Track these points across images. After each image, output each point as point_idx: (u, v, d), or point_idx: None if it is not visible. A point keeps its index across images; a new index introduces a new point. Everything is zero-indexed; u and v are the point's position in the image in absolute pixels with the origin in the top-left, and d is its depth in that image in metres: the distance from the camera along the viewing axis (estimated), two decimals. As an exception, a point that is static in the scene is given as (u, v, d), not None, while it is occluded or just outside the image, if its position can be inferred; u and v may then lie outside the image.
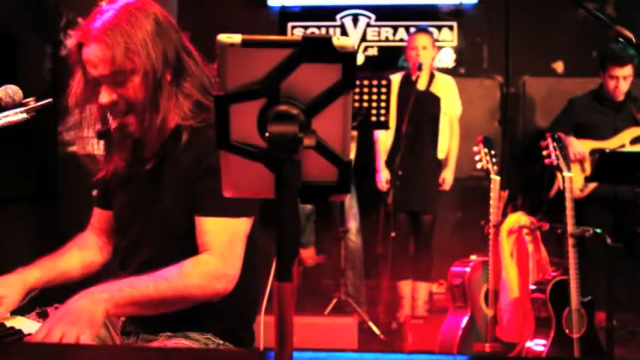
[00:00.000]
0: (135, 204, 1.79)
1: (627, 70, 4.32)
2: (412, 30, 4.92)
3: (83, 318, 1.45)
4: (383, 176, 4.63)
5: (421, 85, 4.59)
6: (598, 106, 4.49)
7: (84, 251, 1.93)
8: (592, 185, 4.33)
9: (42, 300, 1.82)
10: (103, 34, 1.57)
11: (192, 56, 1.71)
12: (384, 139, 4.70)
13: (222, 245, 1.62)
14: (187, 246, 1.65)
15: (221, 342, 1.72)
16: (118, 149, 1.75)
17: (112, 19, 1.59)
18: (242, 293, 1.69)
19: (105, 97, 1.62)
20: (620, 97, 4.43)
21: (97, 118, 1.73)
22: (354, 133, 4.82)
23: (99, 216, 1.99)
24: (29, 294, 1.77)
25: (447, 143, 4.67)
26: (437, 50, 4.79)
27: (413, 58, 4.58)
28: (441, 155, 4.66)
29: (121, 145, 1.74)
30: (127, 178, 1.80)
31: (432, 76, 4.65)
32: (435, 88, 4.64)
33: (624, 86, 4.37)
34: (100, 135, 1.74)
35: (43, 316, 1.73)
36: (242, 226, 1.65)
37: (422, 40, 4.61)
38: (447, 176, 4.67)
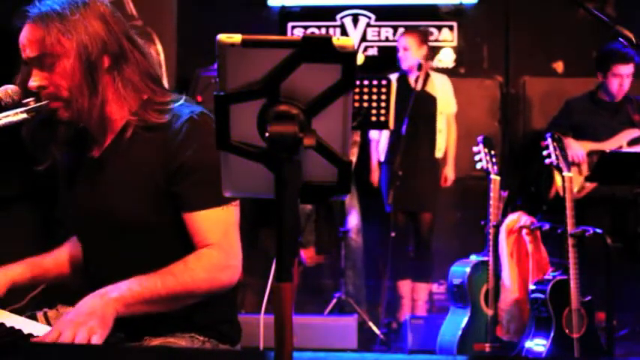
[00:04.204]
0: (80, 197, 1.77)
1: (631, 68, 4.33)
2: (400, 30, 4.95)
3: (94, 319, 1.46)
4: (374, 177, 4.80)
5: (416, 84, 4.58)
6: (594, 108, 4.48)
7: (74, 252, 1.92)
8: (590, 185, 4.33)
9: (41, 304, 1.82)
10: (36, 17, 1.60)
11: (137, 47, 1.70)
12: (376, 138, 4.76)
13: (219, 237, 1.64)
14: (138, 241, 1.67)
15: (206, 339, 1.72)
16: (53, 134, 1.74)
17: (49, 5, 1.61)
18: None
19: (34, 80, 1.62)
20: (622, 97, 4.42)
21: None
22: (357, 138, 4.85)
23: None
24: (35, 288, 1.81)
25: (444, 142, 4.68)
26: (426, 48, 4.70)
27: (400, 59, 4.65)
28: (438, 154, 4.67)
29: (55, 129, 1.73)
30: (74, 169, 1.79)
31: (427, 76, 4.64)
32: (430, 88, 4.65)
33: (627, 85, 4.38)
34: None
35: (31, 319, 1.73)
36: (231, 215, 1.66)
37: (404, 41, 4.67)
38: (449, 173, 4.70)
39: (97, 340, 1.42)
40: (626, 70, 4.32)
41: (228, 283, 1.64)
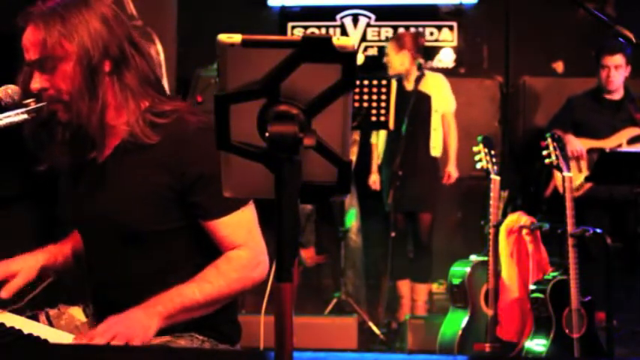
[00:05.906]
0: (82, 201, 1.77)
1: (618, 59, 4.31)
2: (400, 30, 4.96)
3: (137, 326, 1.53)
4: (371, 179, 4.79)
5: (409, 86, 4.57)
6: (596, 105, 4.48)
7: (78, 245, 1.93)
8: (587, 184, 4.33)
9: (41, 304, 1.83)
10: (38, 18, 1.59)
11: (139, 51, 1.69)
12: (375, 142, 4.77)
13: (244, 238, 1.69)
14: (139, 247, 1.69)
15: (205, 338, 1.75)
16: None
17: (51, 6, 1.60)
18: None
19: (35, 82, 1.62)
20: (613, 89, 4.40)
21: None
22: (357, 137, 4.85)
23: None
24: (44, 279, 1.84)
25: (440, 140, 4.66)
26: (407, 53, 4.56)
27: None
28: (434, 153, 4.65)
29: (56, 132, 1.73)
30: (75, 171, 1.80)
31: (421, 76, 4.59)
32: (424, 87, 4.61)
33: (617, 77, 4.35)
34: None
35: (33, 319, 1.73)
36: (250, 213, 1.72)
37: (387, 47, 4.68)
38: (452, 171, 4.67)
39: (136, 342, 1.48)
40: (613, 61, 4.31)
41: (260, 279, 1.72)
